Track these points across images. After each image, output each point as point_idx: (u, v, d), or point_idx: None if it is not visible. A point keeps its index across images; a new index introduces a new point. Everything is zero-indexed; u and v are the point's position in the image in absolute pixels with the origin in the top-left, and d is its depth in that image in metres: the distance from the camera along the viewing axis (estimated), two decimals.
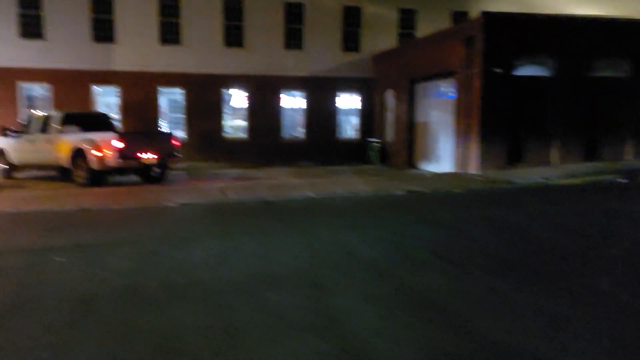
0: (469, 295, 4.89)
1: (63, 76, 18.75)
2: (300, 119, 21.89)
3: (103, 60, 19.08)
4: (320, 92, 21.46)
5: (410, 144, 18.92)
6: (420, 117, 18.53)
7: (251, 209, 10.17)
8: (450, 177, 14.86)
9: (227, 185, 13.17)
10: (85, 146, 12.59)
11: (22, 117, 15.17)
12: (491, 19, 14.52)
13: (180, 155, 14.14)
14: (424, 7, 22.16)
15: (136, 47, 19.33)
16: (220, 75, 20.32)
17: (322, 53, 21.22)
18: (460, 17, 22.23)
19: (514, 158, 15.01)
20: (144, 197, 11.31)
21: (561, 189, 12.50)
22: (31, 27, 18.37)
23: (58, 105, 18.55)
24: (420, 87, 18.49)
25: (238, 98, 22.07)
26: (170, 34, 19.75)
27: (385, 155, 20.70)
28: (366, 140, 21.59)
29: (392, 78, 20.08)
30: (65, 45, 18.65)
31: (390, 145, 20.47)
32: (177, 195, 11.59)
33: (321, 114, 21.58)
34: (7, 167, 14.73)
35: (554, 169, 14.80)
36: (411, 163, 18.90)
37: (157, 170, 13.50)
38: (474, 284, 5.22)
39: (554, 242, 6.99)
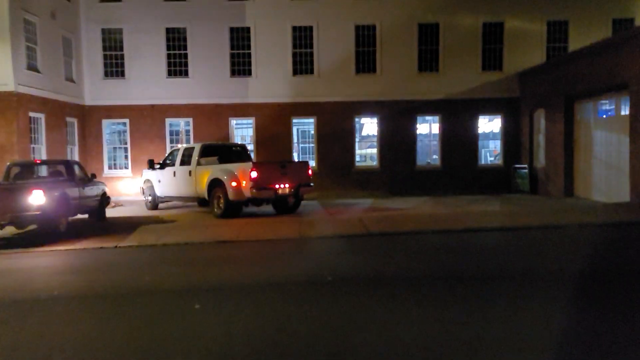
0: None
1: (203, 110, 19.54)
2: (436, 145, 20.38)
3: (239, 93, 19.56)
4: (457, 115, 19.80)
5: (567, 169, 16.36)
6: (581, 138, 15.98)
7: (402, 245, 8.92)
8: (630, 208, 12.25)
9: (365, 216, 12.14)
10: (221, 176, 12.47)
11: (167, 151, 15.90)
12: None
13: (313, 185, 13.49)
14: (577, 17, 19.59)
15: (270, 79, 19.57)
16: (351, 102, 19.72)
17: (459, 74, 19.64)
18: (623, 24, 19.26)
19: None
20: (280, 229, 10.70)
21: None
22: (177, 66, 19.52)
23: (199, 138, 19.31)
24: (581, 105, 15.99)
25: (369, 125, 21.27)
26: (302, 64, 19.72)
27: (534, 183, 18.25)
28: (512, 166, 19.31)
29: (544, 96, 17.77)
30: (206, 81, 19.47)
31: (541, 172, 18.00)
32: (314, 227, 10.82)
33: (458, 139, 19.85)
34: (152, 198, 15.29)
35: None
36: (569, 191, 16.29)
37: (291, 200, 12.96)
38: None
39: None
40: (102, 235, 10.42)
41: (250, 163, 12.33)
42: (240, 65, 19.71)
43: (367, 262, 7.47)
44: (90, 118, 19.36)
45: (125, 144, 19.81)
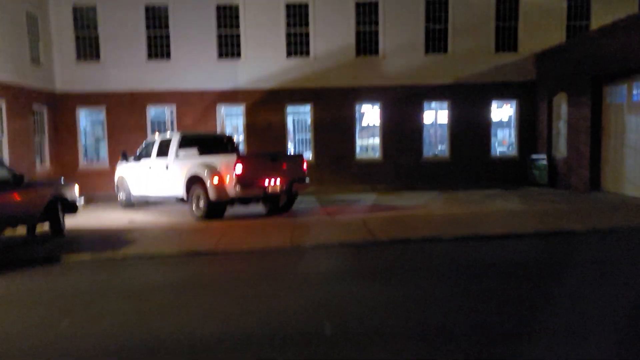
0: None
1: (188, 97, 17.67)
2: (444, 135, 18.57)
3: (228, 78, 17.69)
4: (468, 101, 17.97)
5: (594, 160, 14.58)
6: (610, 125, 14.19)
7: (421, 259, 7.15)
8: None
9: (369, 217, 10.36)
10: (201, 172, 10.66)
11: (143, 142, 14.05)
12: None
13: (309, 182, 11.70)
14: None
15: (262, 62, 17.69)
16: (351, 88, 17.86)
17: (470, 55, 17.78)
18: None
19: None
20: (268, 235, 8.92)
21: None
22: (158, 47, 17.60)
23: (184, 128, 17.47)
24: (611, 87, 14.18)
25: (371, 113, 19.44)
26: (297, 45, 17.83)
27: (554, 175, 16.49)
28: (529, 157, 17.52)
29: (566, 79, 15.94)
30: (190, 65, 17.57)
31: (561, 163, 16.23)
32: (309, 232, 9.04)
33: (469, 128, 18.04)
34: (126, 195, 13.49)
35: None
36: (594, 184, 14.53)
37: (283, 198, 11.15)
38: None
39: None
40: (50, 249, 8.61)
41: (235, 155, 10.47)
42: (229, 47, 17.80)
43: (380, 292, 5.66)
44: (62, 106, 17.46)
45: (102, 135, 17.95)
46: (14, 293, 6.10)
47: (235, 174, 10.22)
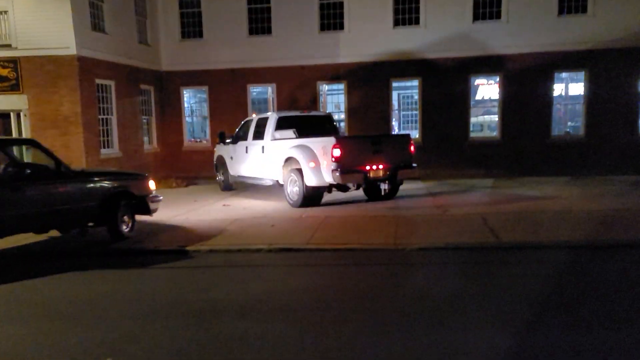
0: None
1: (288, 73, 16.90)
2: (578, 110, 15.89)
3: (329, 52, 16.59)
4: (611, 70, 15.08)
5: None
6: None
7: (568, 274, 5.55)
8: None
9: (488, 210, 8.75)
10: (297, 155, 9.74)
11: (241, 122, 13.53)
12: None
13: (416, 167, 10.28)
14: None
15: (366, 33, 16.31)
16: (466, 58, 15.84)
17: (616, 15, 14.82)
18: None
19: None
20: (368, 230, 7.75)
21: None
22: (259, 22, 16.98)
23: (284, 106, 16.79)
24: None
25: (487, 86, 17.28)
26: (406, 13, 16.15)
27: None
28: None
29: None
30: (291, 39, 16.73)
31: None
32: (416, 228, 7.72)
33: (611, 102, 15.19)
34: (224, 178, 13.09)
35: None
36: None
37: (386, 186, 9.87)
38: None
39: None
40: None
41: (333, 138, 9.38)
42: (331, 19, 16.64)
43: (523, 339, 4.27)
44: (167, 85, 17.60)
45: (205, 114, 17.89)
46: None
47: (333, 158, 9.14)
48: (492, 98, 16.94)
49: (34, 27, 12.77)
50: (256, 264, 6.43)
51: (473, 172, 15.30)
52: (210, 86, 17.44)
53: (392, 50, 16.23)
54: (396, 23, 16.19)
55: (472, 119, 16.66)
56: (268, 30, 16.95)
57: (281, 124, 11.07)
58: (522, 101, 15.73)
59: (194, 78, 17.50)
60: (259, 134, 11.45)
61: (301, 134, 10.64)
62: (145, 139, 16.62)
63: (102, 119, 14.23)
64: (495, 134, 16.43)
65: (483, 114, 17.76)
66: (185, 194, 12.88)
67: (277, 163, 10.42)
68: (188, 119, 18.25)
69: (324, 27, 16.70)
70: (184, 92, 17.88)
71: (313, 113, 12.16)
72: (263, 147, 11.11)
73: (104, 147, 14.18)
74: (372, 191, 10.42)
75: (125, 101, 15.16)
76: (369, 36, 16.30)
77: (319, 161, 9.38)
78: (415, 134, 16.64)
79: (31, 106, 13.07)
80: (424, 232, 7.43)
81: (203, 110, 18.19)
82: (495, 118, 16.54)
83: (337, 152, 9.13)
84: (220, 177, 13.33)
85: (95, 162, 13.55)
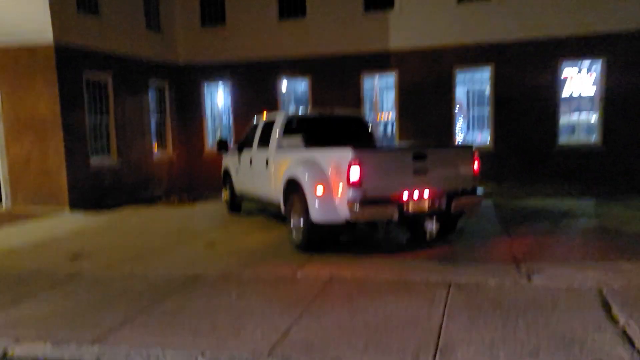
0: None
1: (324, 62, 13.80)
2: None
3: (376, 37, 13.33)
4: None
5: None
6: None
7: None
8: None
9: (607, 276, 5.11)
10: (299, 175, 6.60)
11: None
12: None
13: (482, 193, 6.81)
14: None
15: (422, 12, 12.89)
16: (552, 39, 12.02)
17: None
18: None
19: None
20: (387, 328, 4.37)
21: None
22: (291, 3, 14.01)
23: (319, 102, 13.76)
24: None
25: (580, 77, 13.28)
26: None
27: None
28: None
29: None
30: (329, 22, 13.63)
31: None
32: (490, 322, 4.24)
33: None
34: (230, 196, 10.21)
35: None
36: None
37: (435, 224, 6.36)
38: None
39: None
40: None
41: (350, 149, 6.10)
42: None
43: None
44: (186, 79, 15.05)
45: (229, 112, 15.19)
46: None
47: (350, 181, 5.92)
48: (588, 93, 12.91)
49: (4, 10, 10.55)
50: None
51: (563, 190, 11.45)
52: (233, 80, 14.71)
53: (456, 32, 12.70)
54: (460, 0, 12.65)
55: (563, 119, 12.73)
56: (302, 12, 13.96)
57: (292, 128, 7.99)
58: (631, 96, 11.66)
59: (215, 70, 14.83)
60: (264, 141, 8.43)
61: (318, 142, 7.51)
62: (156, 144, 14.15)
63: (96, 121, 11.85)
64: (594, 138, 12.43)
65: (575, 113, 13.71)
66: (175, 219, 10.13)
67: (279, 184, 7.34)
68: (210, 122, 15.57)
69: (369, 7, 13.46)
70: (205, 88, 15.27)
71: (339, 113, 8.92)
72: (267, 159, 8.06)
73: (96, 154, 11.79)
74: (413, 230, 7.08)
75: (126, 100, 12.72)
76: (425, 16, 12.88)
77: (329, 185, 6.20)
78: (485, 138, 13.00)
79: (5, 106, 10.88)
80: (501, 329, 4.00)
81: (226, 108, 15.48)
82: (593, 118, 12.54)
83: (355, 172, 5.89)
84: (226, 195, 10.45)
85: (83, 174, 11.17)
